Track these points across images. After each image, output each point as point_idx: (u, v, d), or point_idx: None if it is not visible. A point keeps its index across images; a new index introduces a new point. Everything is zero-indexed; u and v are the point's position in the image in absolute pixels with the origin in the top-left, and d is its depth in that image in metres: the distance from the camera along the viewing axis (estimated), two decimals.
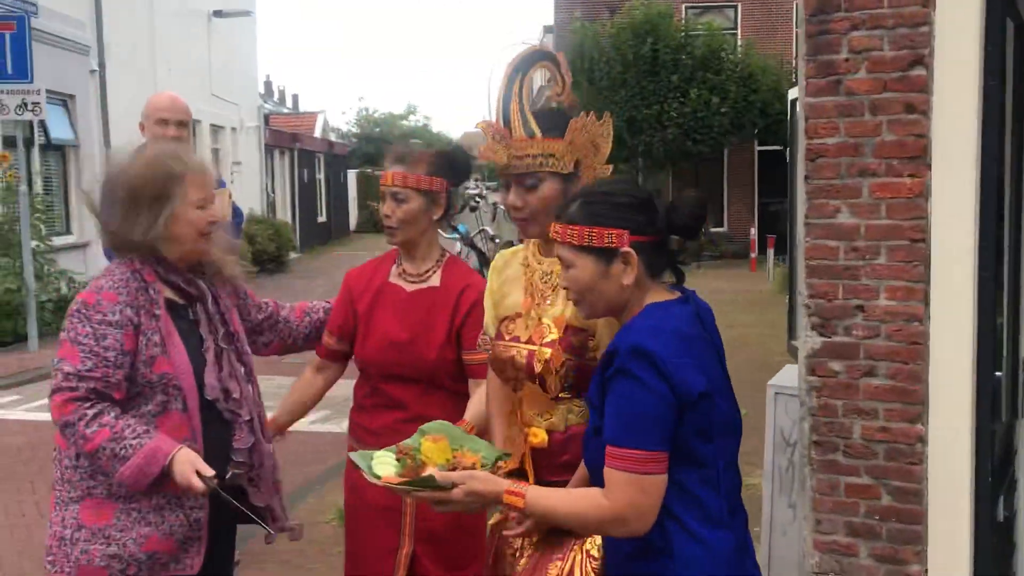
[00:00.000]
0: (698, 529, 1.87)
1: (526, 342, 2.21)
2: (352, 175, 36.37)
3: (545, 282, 2.24)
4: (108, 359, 2.28)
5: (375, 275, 2.90)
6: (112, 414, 2.27)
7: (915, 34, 2.79)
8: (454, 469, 1.98)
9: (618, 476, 1.82)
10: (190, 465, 2.26)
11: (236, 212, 4.73)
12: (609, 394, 1.86)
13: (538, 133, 2.14)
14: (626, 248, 1.89)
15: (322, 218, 31.24)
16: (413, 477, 1.96)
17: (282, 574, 4.45)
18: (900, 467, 2.89)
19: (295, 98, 58.39)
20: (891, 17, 2.81)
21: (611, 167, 2.28)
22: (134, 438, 2.24)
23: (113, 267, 2.43)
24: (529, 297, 2.26)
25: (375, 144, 41.88)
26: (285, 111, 43.70)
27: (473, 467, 2.00)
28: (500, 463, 2.12)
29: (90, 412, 2.24)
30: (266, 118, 25.05)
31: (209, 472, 2.27)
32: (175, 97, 4.38)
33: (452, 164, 2.84)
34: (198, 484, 2.25)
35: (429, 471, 1.95)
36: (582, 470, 2.12)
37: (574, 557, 2.11)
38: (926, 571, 2.94)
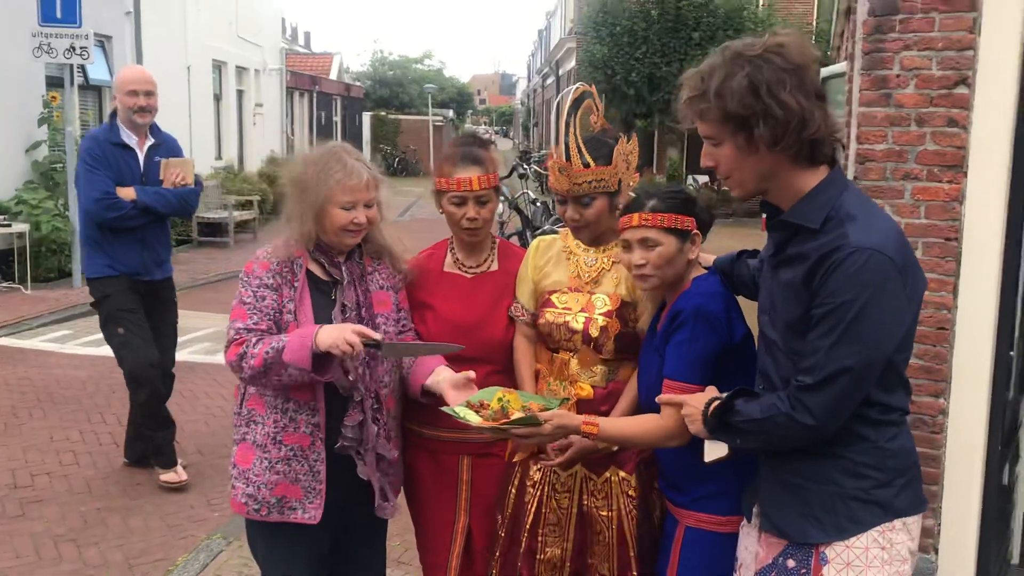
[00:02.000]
0: None
1: (580, 311, 2.71)
2: (367, 118, 36.50)
3: (591, 266, 2.77)
4: (268, 313, 2.68)
5: (428, 264, 2.99)
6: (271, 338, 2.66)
7: (961, 57, 3.16)
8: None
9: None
10: (337, 330, 2.52)
11: (196, 182, 5.28)
12: (672, 341, 2.43)
13: (592, 163, 2.64)
14: (695, 231, 2.49)
15: None
16: (503, 421, 2.41)
17: None
18: (923, 435, 3.32)
19: (307, 36, 58.11)
20: (940, 40, 3.18)
21: (638, 175, 2.77)
22: (285, 336, 2.61)
23: (275, 240, 2.80)
24: (576, 277, 2.77)
25: (389, 87, 41.92)
26: (299, 49, 43.59)
27: (542, 411, 2.45)
28: (561, 406, 2.58)
29: (254, 339, 2.63)
30: (285, 59, 25.14)
31: (375, 335, 2.55)
32: (142, 70, 5.35)
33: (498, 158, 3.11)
34: (353, 339, 2.49)
35: (516, 415, 2.41)
36: (618, 413, 2.65)
37: (616, 496, 2.66)
38: (939, 525, 3.38)
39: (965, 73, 3.16)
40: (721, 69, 2.01)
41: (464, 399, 2.56)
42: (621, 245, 2.56)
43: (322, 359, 2.56)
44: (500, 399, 2.48)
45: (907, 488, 2.11)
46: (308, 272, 2.76)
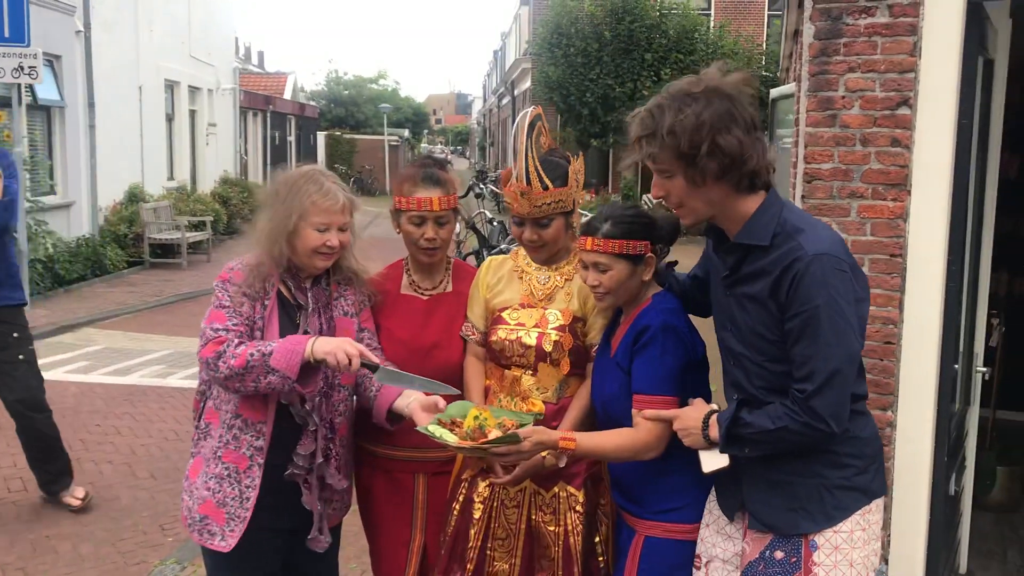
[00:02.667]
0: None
1: (534, 326, 2.75)
2: (321, 137, 36.36)
3: (544, 284, 2.81)
4: (245, 319, 2.65)
5: (385, 286, 2.97)
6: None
7: (903, 79, 3.26)
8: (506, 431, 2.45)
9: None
10: (336, 341, 2.52)
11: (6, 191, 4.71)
12: (639, 357, 2.48)
13: (551, 185, 2.68)
14: (649, 254, 2.53)
15: None
16: (483, 439, 2.40)
17: None
18: None
19: (261, 55, 57.83)
20: (883, 63, 3.27)
21: (584, 192, 2.85)
22: (273, 342, 2.58)
23: (247, 256, 2.76)
24: (529, 295, 2.81)
25: (344, 107, 41.82)
26: (253, 68, 43.36)
27: (518, 427, 2.45)
28: (534, 422, 2.58)
29: (235, 341, 2.59)
30: (238, 78, 24.99)
31: (374, 359, 2.56)
32: None
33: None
34: (352, 352, 2.50)
35: (494, 433, 2.41)
36: (568, 425, 2.68)
37: (564, 512, 2.69)
38: (889, 535, 3.45)
39: (907, 94, 3.26)
40: (670, 109, 2.17)
41: (433, 419, 2.56)
42: (579, 263, 2.61)
43: (307, 370, 2.55)
44: (476, 417, 2.46)
45: (879, 471, 2.34)
46: (278, 292, 2.74)
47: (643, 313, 2.53)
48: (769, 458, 2.29)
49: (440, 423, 2.51)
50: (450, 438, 2.44)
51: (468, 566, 2.75)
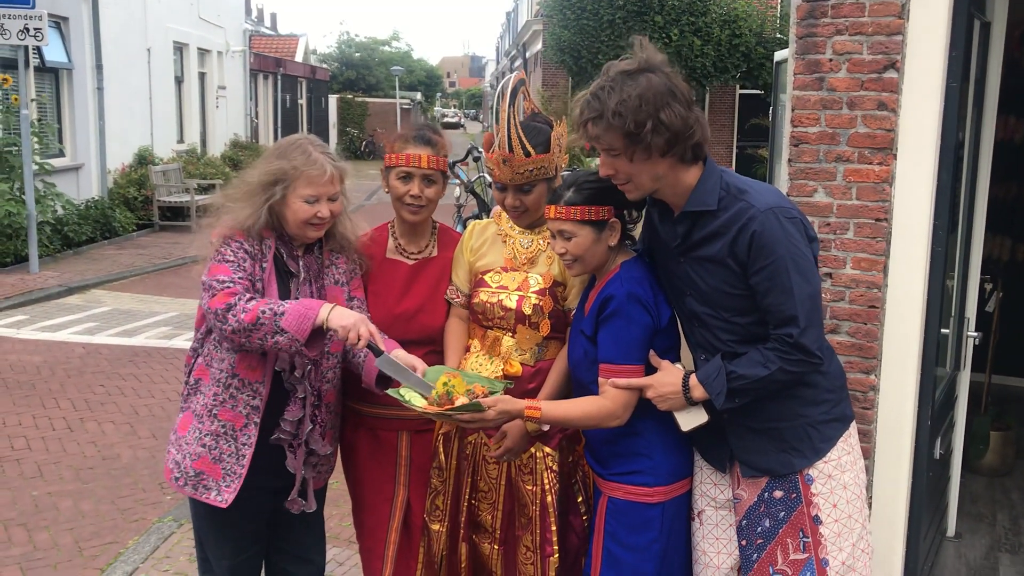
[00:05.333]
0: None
1: (516, 289, 2.79)
2: (333, 100, 36.24)
3: (527, 248, 2.83)
4: (248, 275, 2.65)
5: (371, 250, 2.98)
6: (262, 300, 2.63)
7: (890, 41, 3.22)
8: (475, 397, 2.48)
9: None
10: (354, 317, 2.53)
11: None
12: (605, 327, 2.49)
13: (532, 152, 2.68)
14: (613, 219, 2.54)
15: None
16: (448, 405, 2.45)
17: None
18: (855, 410, 3.39)
19: (273, 17, 57.48)
20: (870, 25, 3.24)
21: (567, 156, 2.81)
22: (286, 302, 2.58)
23: (224, 219, 2.73)
24: (512, 258, 2.84)
25: (356, 70, 41.61)
26: (265, 31, 43.15)
27: (486, 395, 2.50)
28: (504, 389, 2.62)
29: (246, 295, 2.59)
30: (249, 40, 24.90)
31: (381, 346, 2.56)
32: None
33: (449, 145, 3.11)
34: (364, 333, 2.51)
35: (460, 400, 2.45)
36: (548, 389, 2.73)
37: (541, 471, 2.74)
38: (871, 498, 3.48)
39: (894, 57, 3.23)
40: (613, 90, 2.27)
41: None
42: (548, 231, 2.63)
43: (315, 335, 2.55)
44: (445, 383, 2.51)
45: (847, 397, 2.58)
46: (275, 256, 2.74)
47: (609, 282, 2.54)
48: (749, 408, 2.43)
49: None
50: (418, 402, 2.51)
51: (461, 518, 2.85)
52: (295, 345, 2.52)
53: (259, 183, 2.69)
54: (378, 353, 2.58)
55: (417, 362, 2.66)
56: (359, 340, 2.52)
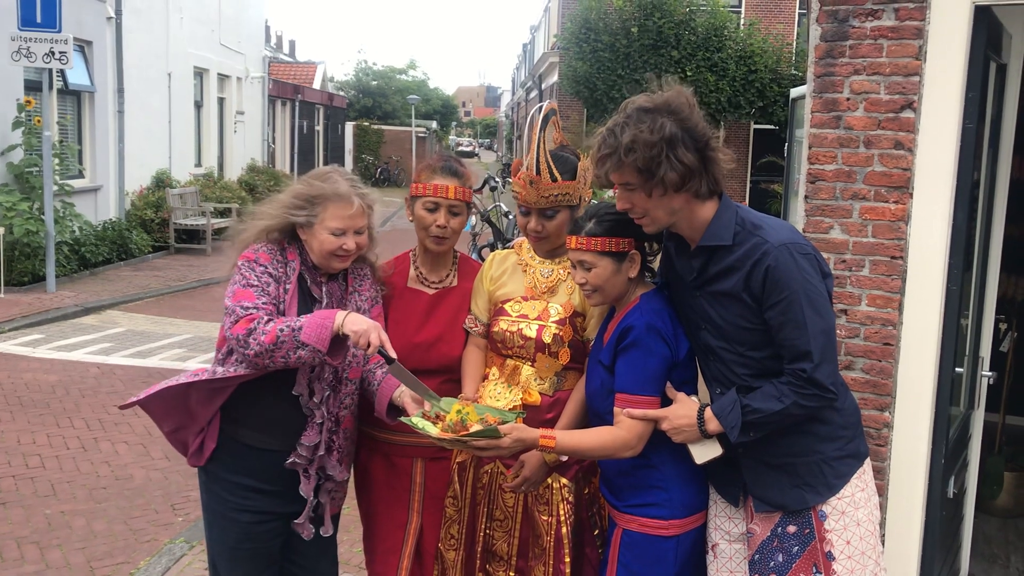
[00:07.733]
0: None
1: (536, 319, 2.81)
2: (349, 127, 36.53)
3: (547, 277, 2.86)
4: (273, 299, 2.69)
5: (392, 278, 3.03)
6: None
7: (907, 82, 3.27)
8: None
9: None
10: (366, 322, 2.57)
11: None
12: (623, 357, 2.51)
13: (559, 178, 2.73)
14: (633, 251, 2.57)
15: None
16: (463, 431, 2.47)
17: None
18: (869, 448, 3.40)
19: (292, 44, 58.09)
20: (888, 66, 3.28)
21: (591, 191, 2.91)
22: (302, 317, 2.60)
23: (267, 243, 2.79)
24: (533, 287, 2.87)
25: (372, 97, 41.98)
26: (284, 57, 43.60)
27: (500, 424, 2.50)
28: (518, 419, 2.64)
29: (266, 318, 2.62)
30: (268, 67, 25.18)
31: (392, 353, 2.59)
32: None
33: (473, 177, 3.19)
34: (375, 339, 2.54)
35: (475, 427, 2.47)
36: (566, 419, 2.75)
37: (557, 502, 2.75)
38: (884, 535, 3.47)
39: (911, 98, 3.27)
40: (628, 126, 2.31)
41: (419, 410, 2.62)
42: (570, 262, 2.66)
43: (335, 344, 2.59)
44: (459, 411, 2.52)
45: (862, 433, 2.58)
46: (300, 277, 2.78)
47: (629, 313, 2.57)
48: (763, 443, 2.44)
49: (424, 416, 2.58)
50: (432, 430, 2.51)
51: (477, 547, 2.86)
52: (318, 356, 2.56)
53: (288, 203, 2.75)
54: (389, 360, 2.61)
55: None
56: (368, 345, 2.55)
